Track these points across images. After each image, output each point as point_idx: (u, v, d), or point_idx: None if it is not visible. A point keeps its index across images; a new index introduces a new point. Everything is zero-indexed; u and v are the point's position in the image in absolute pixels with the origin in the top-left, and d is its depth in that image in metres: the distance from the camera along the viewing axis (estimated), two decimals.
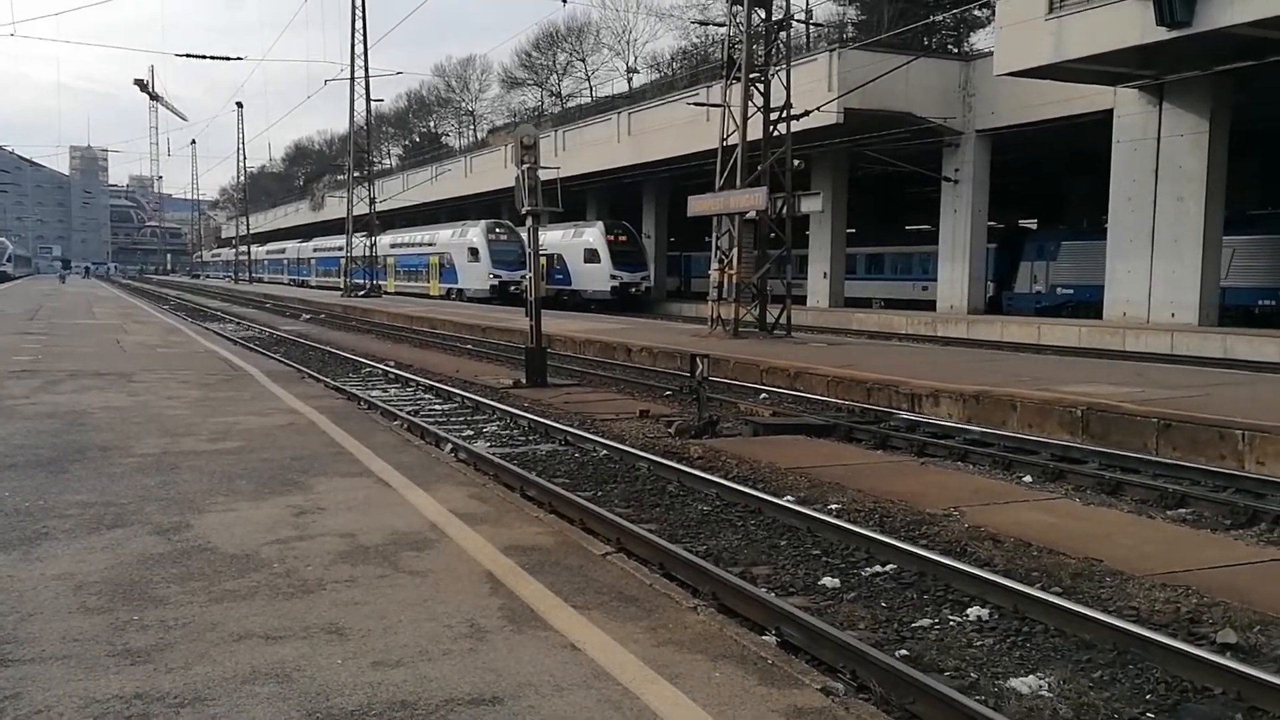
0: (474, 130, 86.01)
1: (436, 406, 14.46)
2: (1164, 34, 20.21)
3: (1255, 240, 26.54)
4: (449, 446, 10.39)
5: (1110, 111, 26.13)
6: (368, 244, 51.36)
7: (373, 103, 51.58)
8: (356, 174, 52.50)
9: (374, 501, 6.77)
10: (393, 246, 57.10)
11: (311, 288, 69.26)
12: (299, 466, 7.88)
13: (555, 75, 77.35)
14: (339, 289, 54.23)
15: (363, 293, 49.44)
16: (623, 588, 5.00)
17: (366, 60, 48.63)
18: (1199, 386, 13.20)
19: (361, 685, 3.78)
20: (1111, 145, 26.27)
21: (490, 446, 11.02)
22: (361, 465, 8.01)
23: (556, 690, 3.74)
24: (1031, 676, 4.80)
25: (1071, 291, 31.86)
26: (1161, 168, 24.98)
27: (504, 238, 46.98)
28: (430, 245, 53.12)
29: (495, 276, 45.57)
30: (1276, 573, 6.36)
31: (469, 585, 4.99)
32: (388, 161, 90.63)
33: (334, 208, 69.23)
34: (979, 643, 5.26)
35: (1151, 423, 10.49)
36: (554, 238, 44.95)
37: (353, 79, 49.09)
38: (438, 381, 16.64)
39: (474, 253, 47.29)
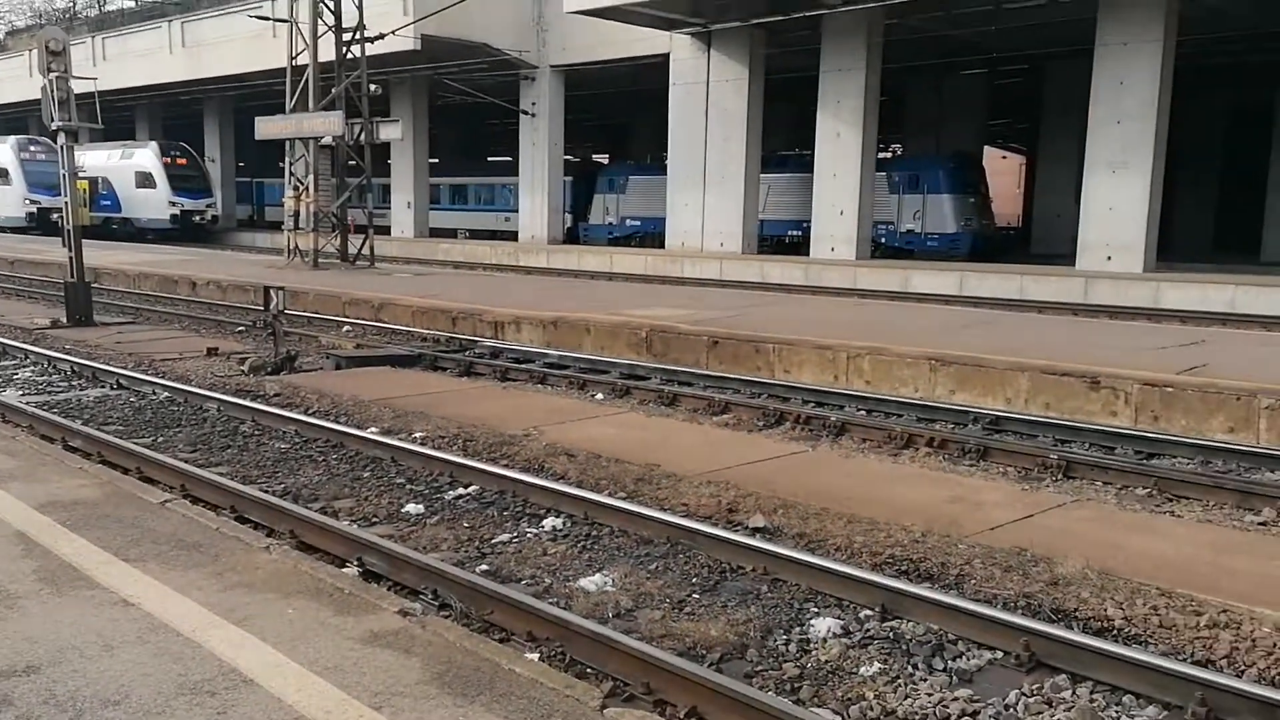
0: None
1: None
2: None
3: (786, 178, 30.27)
4: None
5: (669, 55, 28.18)
6: None
7: None
8: None
9: None
10: None
11: None
12: None
13: None
14: None
15: None
16: (184, 535, 4.66)
17: None
18: (741, 307, 14.92)
19: None
20: (669, 87, 28.39)
21: (22, 395, 9.62)
22: None
23: (106, 650, 3.43)
24: (598, 575, 5.22)
25: (639, 223, 34.28)
26: (711, 110, 27.49)
27: (42, 156, 40.01)
28: None
29: (32, 202, 39.29)
30: (796, 464, 7.46)
31: None
32: None
33: None
34: (553, 550, 5.61)
35: (702, 340, 11.69)
36: (99, 159, 39.58)
37: None
38: None
39: (3, 174, 40.43)
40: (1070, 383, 9.11)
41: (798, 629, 4.60)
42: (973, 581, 5.01)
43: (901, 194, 28.48)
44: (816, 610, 4.80)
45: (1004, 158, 46.22)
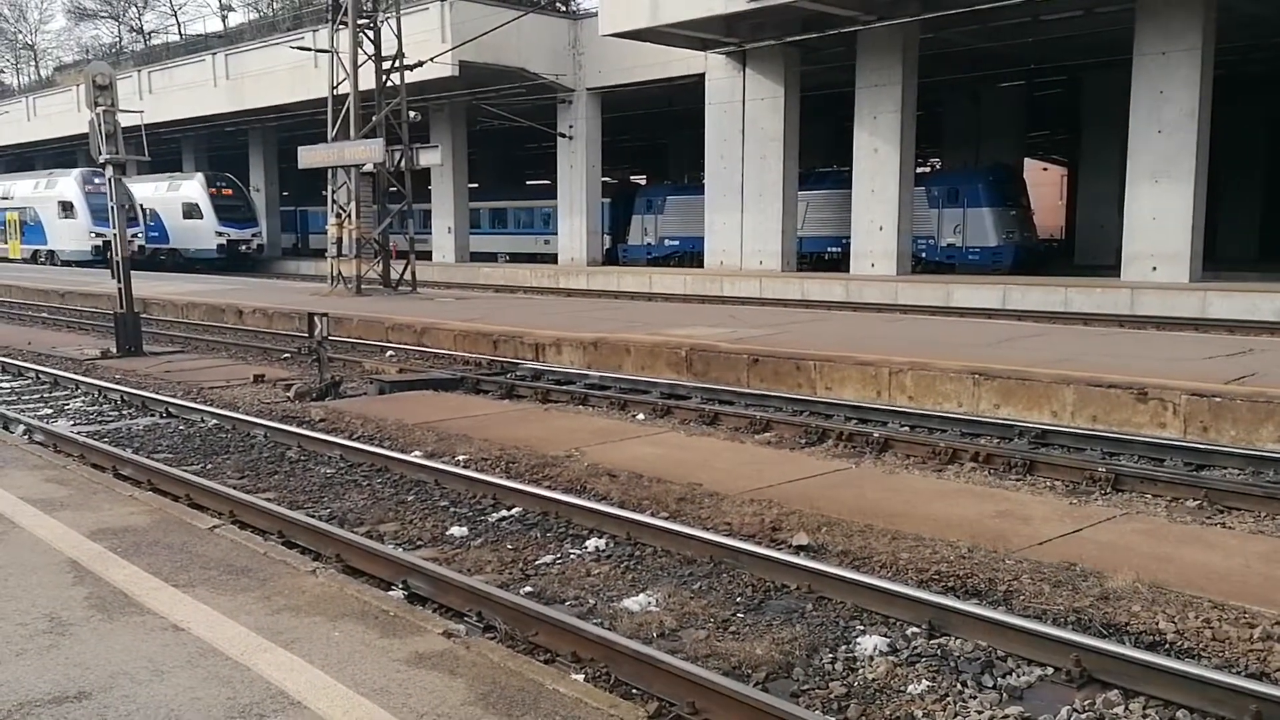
0: (36, 67, 75.02)
1: (3, 384, 12.60)
2: (743, 4, 22.21)
3: (824, 195, 30.21)
4: (20, 428, 9.13)
5: (704, 75, 28.29)
6: None
7: None
8: None
9: None
10: None
11: None
12: None
13: (135, 8, 69.36)
14: None
15: None
16: (233, 560, 4.73)
17: None
18: (781, 325, 14.86)
19: None
20: (705, 106, 28.49)
21: (74, 425, 9.84)
22: None
23: (156, 675, 3.48)
24: (642, 595, 5.21)
25: (678, 243, 34.37)
26: (747, 128, 27.53)
27: (104, 189, 40.40)
28: (6, 199, 43.83)
29: (98, 235, 37.97)
30: (838, 481, 7.40)
31: (47, 577, 4.46)
32: None
33: None
34: (597, 571, 5.61)
35: (743, 358, 11.66)
36: (147, 191, 40.47)
37: None
38: (3, 356, 14.49)
39: (68, 207, 39.61)
40: (1117, 395, 8.95)
41: (844, 647, 4.56)
42: (1021, 597, 4.94)
43: (941, 208, 28.27)
44: (862, 628, 4.75)
45: (1045, 169, 45.77)
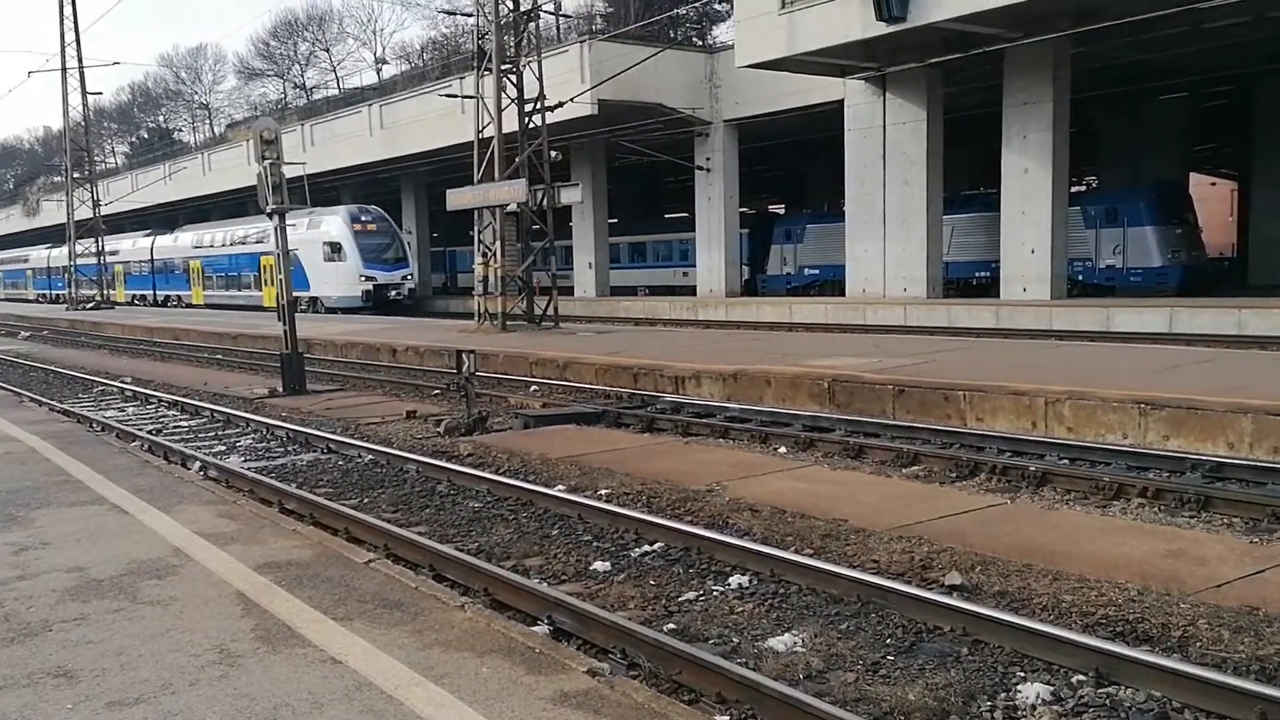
0: (210, 124, 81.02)
1: (182, 423, 13.49)
2: (883, 29, 21.88)
3: (971, 218, 29.30)
4: (196, 465, 9.73)
5: (842, 101, 27.99)
6: (98, 249, 46.73)
7: (90, 96, 47.32)
8: (76, 175, 47.93)
9: (107, 530, 6.25)
10: (197, 248, 46.30)
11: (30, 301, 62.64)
12: (18, 499, 7.15)
13: (298, 66, 74.13)
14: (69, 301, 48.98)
15: (91, 305, 45.28)
16: (387, 594, 4.88)
17: (79, 49, 44.54)
18: (927, 354, 14.43)
19: None
20: (844, 133, 28.15)
21: (244, 461, 10.42)
22: (93, 492, 7.37)
23: (315, 707, 3.61)
24: (787, 635, 5.09)
25: (818, 271, 33.94)
26: (888, 153, 27.03)
27: (372, 227, 36.18)
28: (261, 243, 40.62)
29: (368, 279, 35.48)
30: (993, 517, 7.07)
31: (218, 609, 4.71)
32: (112, 160, 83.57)
33: (52, 212, 62.82)
34: (740, 609, 5.53)
35: (888, 389, 11.36)
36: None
37: (64, 69, 44.79)
38: (183, 396, 15.53)
39: (336, 249, 35.74)
40: None
41: (1003, 695, 4.33)
42: (1198, 644, 4.59)
43: (1099, 228, 26.97)
44: (1023, 675, 4.50)
45: (1213, 184, 43.09)
